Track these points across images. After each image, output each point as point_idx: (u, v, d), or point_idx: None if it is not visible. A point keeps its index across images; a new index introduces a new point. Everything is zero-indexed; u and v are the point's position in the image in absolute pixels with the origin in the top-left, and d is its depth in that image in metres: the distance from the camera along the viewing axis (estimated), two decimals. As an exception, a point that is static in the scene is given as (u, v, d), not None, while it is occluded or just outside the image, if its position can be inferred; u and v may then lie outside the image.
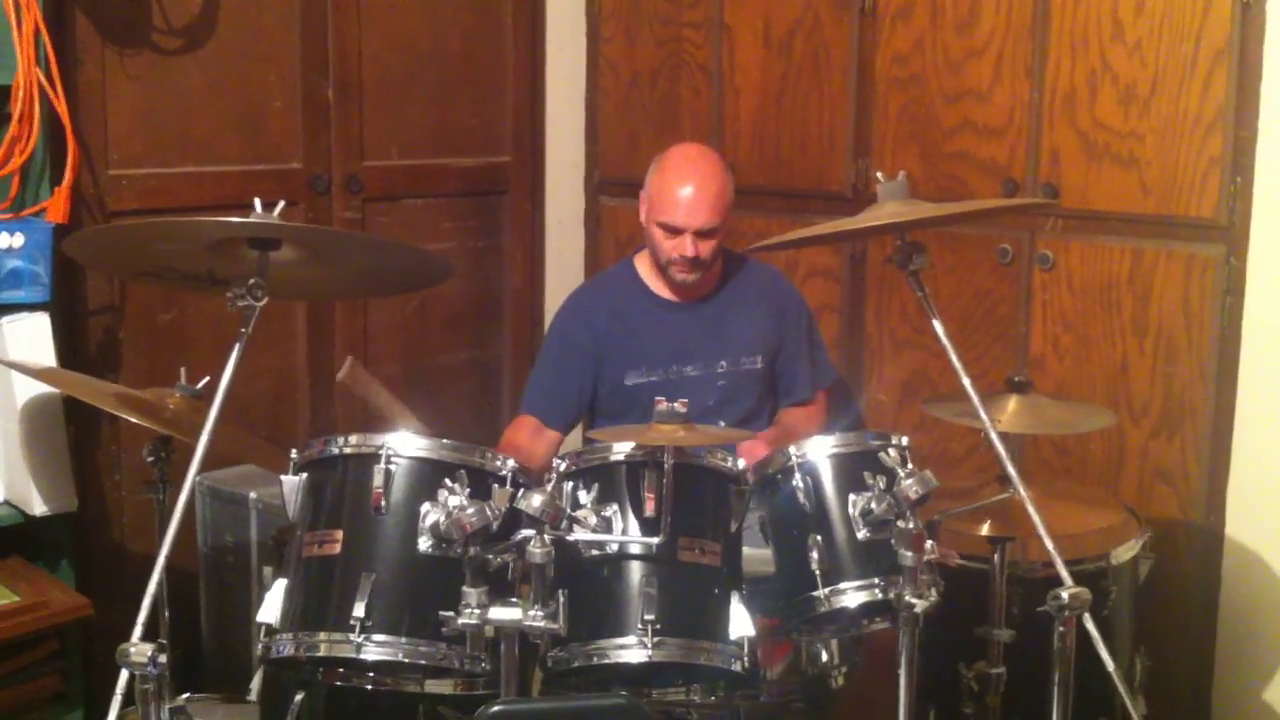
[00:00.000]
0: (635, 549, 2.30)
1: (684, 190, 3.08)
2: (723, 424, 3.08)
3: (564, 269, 4.38)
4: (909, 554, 2.19)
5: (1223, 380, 3.11)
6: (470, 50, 4.10)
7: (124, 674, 2.04)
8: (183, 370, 2.70)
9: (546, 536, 2.13)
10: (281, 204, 2.34)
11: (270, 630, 2.26)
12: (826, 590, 2.35)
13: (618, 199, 4.30)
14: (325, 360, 3.79)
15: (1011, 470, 2.33)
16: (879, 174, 2.50)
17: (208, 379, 2.63)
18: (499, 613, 2.13)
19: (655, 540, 2.28)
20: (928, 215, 2.43)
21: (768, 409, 3.30)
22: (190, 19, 3.41)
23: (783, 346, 3.28)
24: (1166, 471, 3.20)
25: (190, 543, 3.36)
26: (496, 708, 2.01)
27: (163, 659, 2.02)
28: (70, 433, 3.12)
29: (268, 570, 3.00)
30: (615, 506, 2.33)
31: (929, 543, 2.21)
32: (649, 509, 2.31)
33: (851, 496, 2.37)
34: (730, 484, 2.42)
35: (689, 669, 2.37)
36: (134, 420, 2.60)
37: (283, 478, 2.34)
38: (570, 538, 2.27)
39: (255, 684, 2.61)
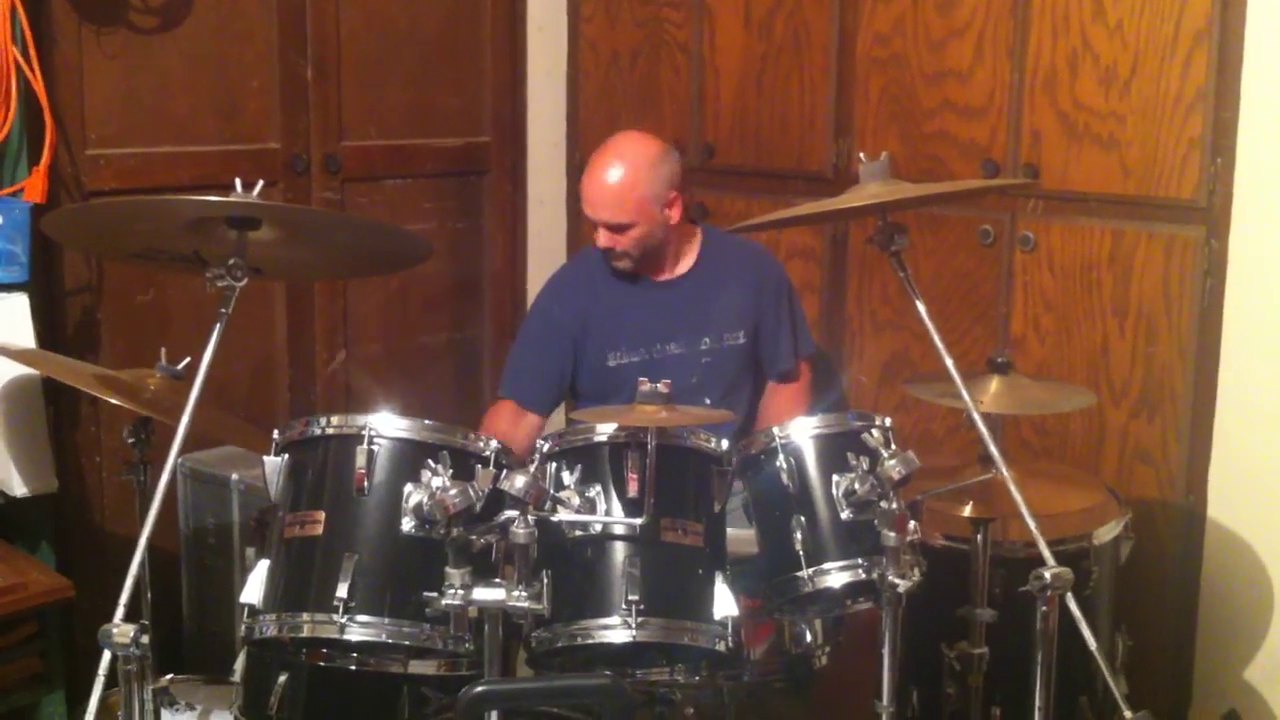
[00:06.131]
0: (619, 530, 2.30)
1: (592, 181, 3.10)
2: (708, 401, 3.08)
3: (544, 250, 4.37)
4: (892, 534, 2.20)
5: (1203, 361, 3.12)
6: (449, 29, 4.08)
7: (106, 655, 2.04)
8: (163, 351, 2.69)
9: (530, 517, 2.13)
10: (261, 184, 2.33)
11: (253, 611, 2.25)
12: (810, 570, 2.35)
13: (598, 179, 4.28)
14: (305, 341, 3.78)
15: (994, 450, 2.33)
16: (861, 154, 2.50)
17: (188, 360, 2.62)
18: (483, 593, 2.13)
19: (638, 521, 2.28)
20: (909, 195, 2.43)
21: (753, 384, 3.30)
22: (167, -3, 3.40)
23: (763, 319, 3.27)
24: (1147, 452, 3.22)
25: (171, 524, 3.35)
26: (480, 688, 2.00)
27: (145, 640, 2.02)
28: (50, 414, 3.11)
29: (250, 551, 2.99)
30: (598, 487, 2.33)
31: (912, 523, 2.22)
32: (632, 490, 2.31)
33: (835, 477, 2.37)
34: (713, 465, 2.42)
35: (672, 649, 2.38)
36: (114, 401, 2.58)
37: (265, 459, 2.32)
38: (554, 518, 2.27)
39: (238, 665, 2.59)
